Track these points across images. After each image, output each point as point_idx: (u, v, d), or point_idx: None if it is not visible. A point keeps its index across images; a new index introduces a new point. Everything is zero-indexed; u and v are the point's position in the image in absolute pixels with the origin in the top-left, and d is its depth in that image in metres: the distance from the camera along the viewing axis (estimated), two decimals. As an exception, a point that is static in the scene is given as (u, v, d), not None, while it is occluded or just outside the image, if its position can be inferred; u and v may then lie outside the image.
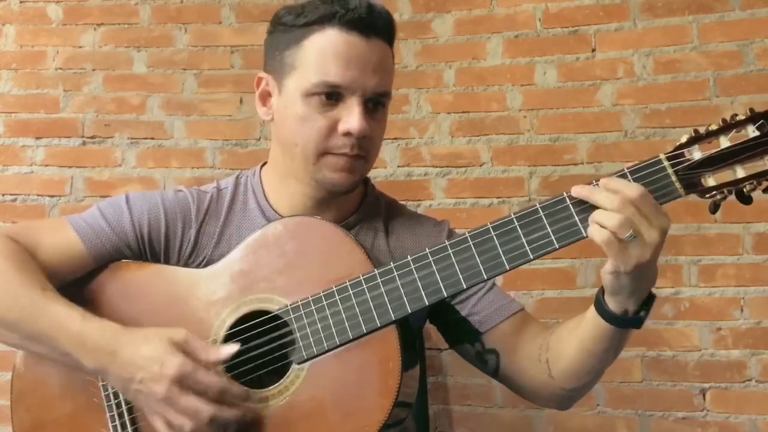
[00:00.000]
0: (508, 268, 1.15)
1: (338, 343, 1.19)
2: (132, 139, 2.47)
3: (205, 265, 1.35)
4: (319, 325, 1.20)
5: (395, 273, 1.19)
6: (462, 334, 1.39)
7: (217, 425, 1.14)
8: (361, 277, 1.20)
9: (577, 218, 1.11)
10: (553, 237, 1.12)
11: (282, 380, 1.21)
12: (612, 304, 1.14)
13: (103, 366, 1.18)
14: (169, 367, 1.13)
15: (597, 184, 1.10)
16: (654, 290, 1.16)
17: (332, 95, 1.26)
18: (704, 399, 2.18)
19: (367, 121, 1.27)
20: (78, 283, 1.33)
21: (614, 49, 2.32)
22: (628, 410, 2.22)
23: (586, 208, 1.10)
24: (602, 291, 1.16)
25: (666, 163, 1.08)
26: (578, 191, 1.10)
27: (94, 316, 1.22)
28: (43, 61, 2.50)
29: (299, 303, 1.22)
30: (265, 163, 1.45)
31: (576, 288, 2.27)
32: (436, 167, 2.39)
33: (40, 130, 2.47)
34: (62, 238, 1.33)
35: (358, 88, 1.26)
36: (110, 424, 1.27)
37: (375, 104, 1.30)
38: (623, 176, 1.09)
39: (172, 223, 1.37)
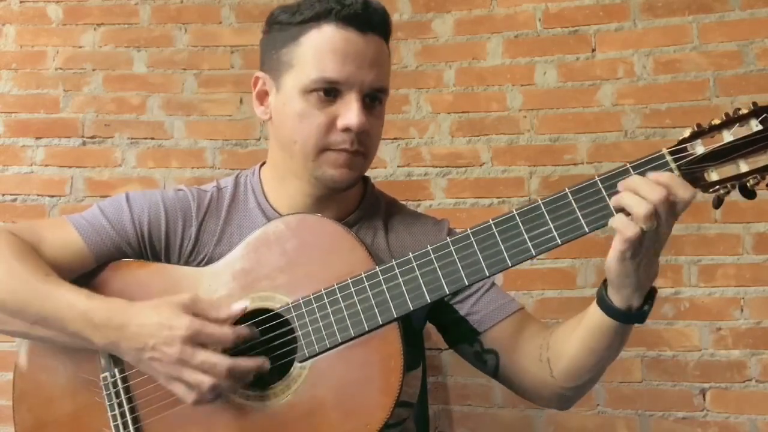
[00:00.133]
0: (510, 264, 1.14)
1: (340, 341, 1.19)
2: (132, 139, 2.46)
3: (206, 264, 1.35)
4: (320, 323, 1.20)
5: (397, 270, 1.18)
6: (461, 333, 1.39)
7: (235, 377, 1.16)
8: (363, 275, 1.20)
9: (579, 213, 1.10)
10: (555, 233, 1.11)
11: (284, 378, 1.21)
12: (616, 299, 1.14)
13: (113, 341, 1.19)
14: (179, 328, 1.14)
15: (597, 180, 1.10)
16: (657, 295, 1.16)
17: (330, 91, 1.26)
18: (704, 399, 2.19)
19: (366, 117, 1.27)
20: (79, 282, 1.32)
21: (614, 49, 2.32)
22: (628, 410, 2.22)
23: (588, 203, 1.10)
24: (605, 288, 1.16)
25: (669, 158, 1.07)
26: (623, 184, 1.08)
27: (99, 295, 1.24)
28: (43, 61, 2.49)
29: (301, 301, 1.22)
30: (263, 163, 1.45)
31: (576, 288, 2.27)
32: (436, 167, 2.39)
33: (40, 130, 2.47)
34: (63, 236, 1.34)
35: (355, 83, 1.26)
36: (112, 424, 1.27)
37: (372, 100, 1.30)
38: (625, 171, 1.09)
39: (173, 222, 1.37)
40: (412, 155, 2.40)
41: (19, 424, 1.33)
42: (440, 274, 1.17)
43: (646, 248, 1.07)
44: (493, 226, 1.15)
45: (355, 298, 1.19)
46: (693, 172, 1.07)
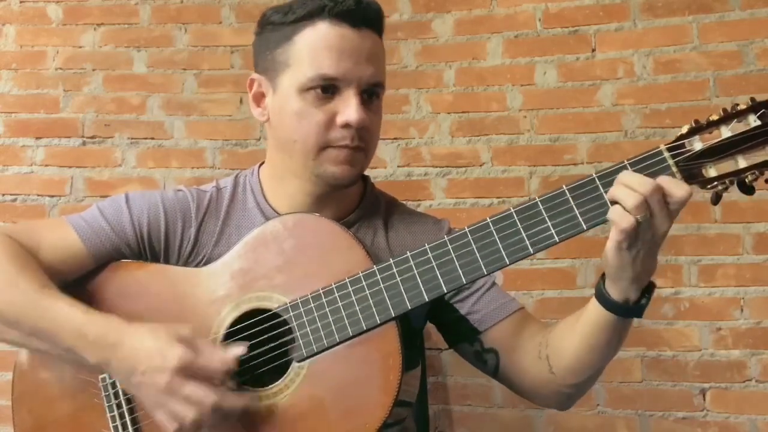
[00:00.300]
0: (507, 262, 1.14)
1: (338, 341, 1.19)
2: (132, 139, 2.47)
3: (205, 264, 1.35)
4: (318, 323, 1.20)
5: (394, 269, 1.18)
6: (461, 333, 1.38)
7: (221, 414, 1.14)
8: (361, 274, 1.19)
9: (577, 211, 1.10)
10: (553, 230, 1.11)
11: (282, 378, 1.21)
12: (614, 291, 1.14)
13: (105, 359, 1.18)
14: (171, 358, 1.12)
15: (594, 177, 1.10)
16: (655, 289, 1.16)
17: (328, 88, 1.26)
18: (704, 399, 2.18)
19: (365, 112, 1.27)
20: (78, 283, 1.33)
21: (614, 49, 2.32)
22: (628, 410, 2.22)
23: (586, 201, 1.10)
24: (603, 281, 1.16)
25: (666, 154, 1.07)
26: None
27: (96, 311, 1.22)
28: (43, 61, 2.50)
29: (298, 301, 1.22)
30: (262, 163, 1.45)
31: (576, 288, 2.27)
32: (436, 167, 2.39)
33: (40, 130, 2.47)
34: (62, 237, 1.33)
35: (353, 79, 1.26)
36: (111, 425, 1.27)
37: (370, 95, 1.30)
38: (623, 167, 1.09)
39: (172, 222, 1.37)
40: (412, 155, 2.40)
41: (18, 424, 1.33)
42: (438, 272, 1.17)
43: (642, 240, 1.07)
44: (490, 224, 1.15)
45: (353, 298, 1.19)
46: (691, 168, 1.07)
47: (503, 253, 1.14)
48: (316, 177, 1.32)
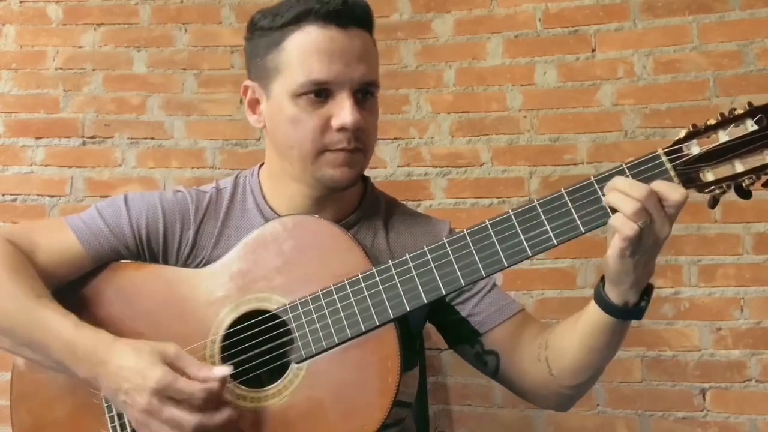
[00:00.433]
0: (506, 265, 1.14)
1: (337, 342, 1.19)
2: (132, 139, 2.47)
3: (204, 265, 1.35)
4: (317, 324, 1.20)
5: (393, 271, 1.18)
6: (462, 334, 1.38)
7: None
8: (360, 276, 1.19)
9: (575, 214, 1.10)
10: (551, 233, 1.11)
11: (281, 379, 1.21)
12: (613, 295, 1.14)
13: (93, 375, 1.18)
14: (150, 379, 1.11)
15: (593, 180, 1.10)
16: (654, 291, 1.16)
17: (321, 92, 1.25)
18: (704, 399, 2.18)
19: (360, 113, 1.26)
20: (76, 284, 1.33)
21: (614, 49, 2.32)
22: (628, 410, 2.22)
23: (584, 204, 1.10)
24: (602, 284, 1.16)
25: (664, 158, 1.07)
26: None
27: (87, 324, 1.21)
28: (43, 61, 2.50)
29: (297, 302, 1.22)
30: (263, 164, 1.44)
31: (576, 288, 2.27)
32: (436, 167, 2.38)
33: (40, 130, 2.47)
34: (60, 239, 1.33)
35: (345, 81, 1.25)
36: (110, 425, 1.27)
37: (364, 94, 1.29)
38: (621, 171, 1.09)
39: (171, 224, 1.37)
40: (412, 155, 2.40)
41: (17, 425, 1.33)
42: (437, 275, 1.17)
43: (645, 246, 1.07)
44: (489, 226, 1.15)
45: (352, 299, 1.19)
46: (688, 172, 1.07)
47: (501, 255, 1.14)
48: (315, 180, 1.31)
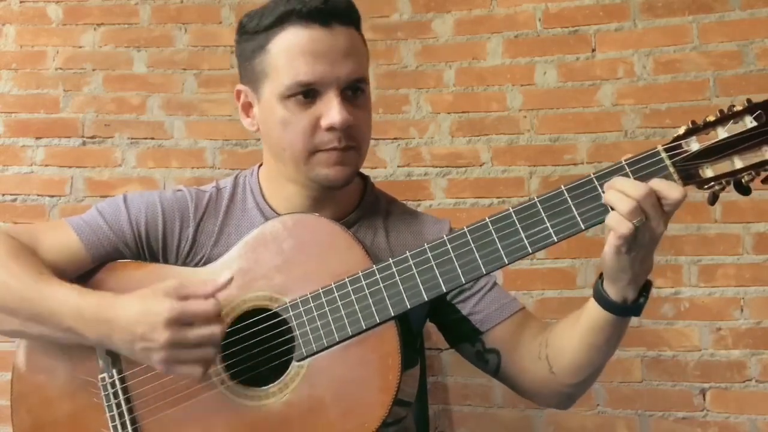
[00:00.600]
0: (507, 262, 1.14)
1: (337, 340, 1.19)
2: (132, 139, 2.46)
3: (204, 264, 1.35)
4: (318, 323, 1.20)
5: (394, 269, 1.19)
6: (463, 333, 1.38)
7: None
8: (360, 274, 1.20)
9: (575, 212, 1.11)
10: (551, 230, 1.12)
11: (282, 378, 1.21)
12: (612, 291, 1.15)
13: (105, 335, 1.19)
14: (160, 312, 1.14)
15: (593, 177, 1.10)
16: (654, 291, 1.17)
17: (308, 93, 1.25)
18: (704, 399, 2.18)
19: (349, 110, 1.26)
20: (76, 283, 1.33)
21: (614, 49, 2.32)
22: (628, 410, 2.22)
23: (584, 201, 1.10)
24: (601, 281, 1.17)
25: (664, 155, 1.08)
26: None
27: (90, 290, 1.24)
28: (43, 61, 2.49)
29: (298, 300, 1.22)
30: (262, 164, 1.44)
31: (576, 288, 2.27)
32: (436, 167, 2.38)
33: (40, 130, 2.47)
34: (61, 237, 1.34)
35: (331, 80, 1.25)
36: (110, 424, 1.27)
37: (354, 91, 1.29)
38: (620, 168, 1.09)
39: (170, 222, 1.37)
40: (412, 155, 2.40)
41: (17, 425, 1.33)
42: (437, 272, 1.17)
43: (640, 243, 1.08)
44: (489, 224, 1.15)
45: (353, 297, 1.19)
46: (688, 168, 1.07)
47: (502, 252, 1.14)
48: (310, 181, 1.32)
